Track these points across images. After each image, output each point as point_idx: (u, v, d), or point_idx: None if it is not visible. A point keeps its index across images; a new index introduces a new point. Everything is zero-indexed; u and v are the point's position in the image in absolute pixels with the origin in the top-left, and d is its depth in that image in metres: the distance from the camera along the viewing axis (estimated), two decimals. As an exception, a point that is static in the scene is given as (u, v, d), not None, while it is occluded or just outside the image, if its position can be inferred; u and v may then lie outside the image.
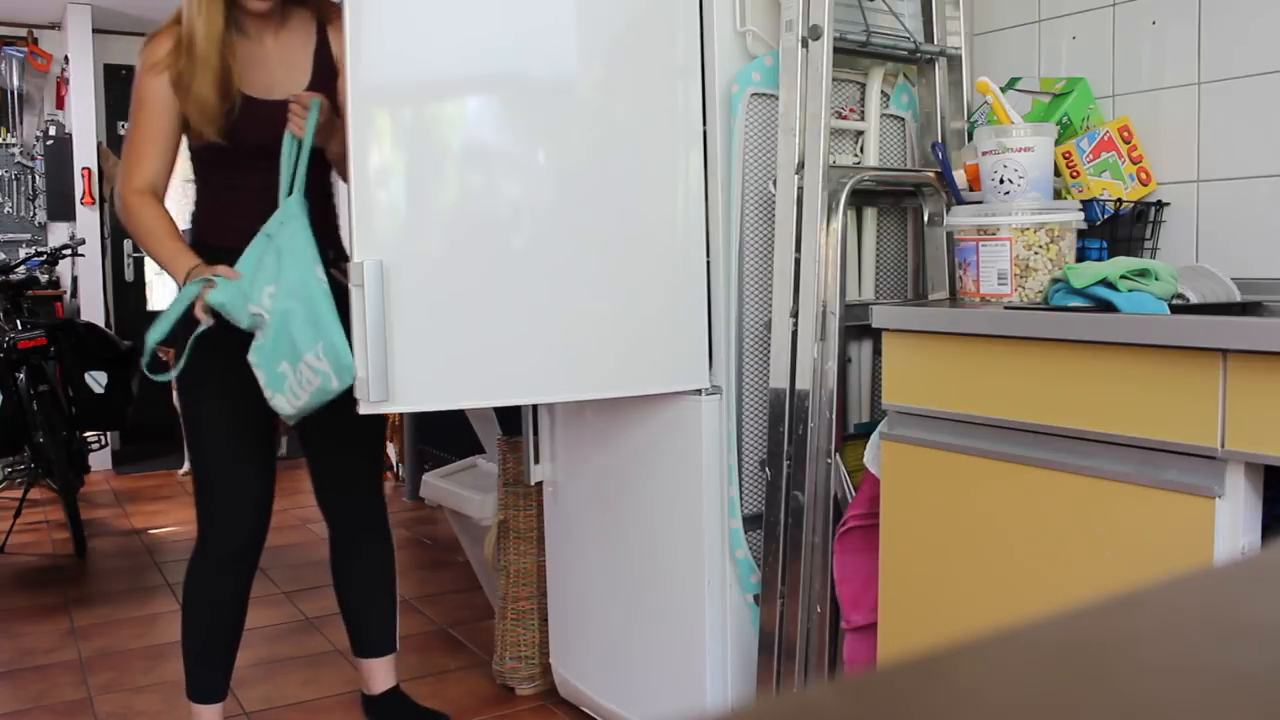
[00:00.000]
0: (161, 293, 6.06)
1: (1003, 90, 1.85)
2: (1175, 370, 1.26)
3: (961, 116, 2.04)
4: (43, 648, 2.95)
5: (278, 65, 1.97)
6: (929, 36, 2.03)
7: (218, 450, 1.98)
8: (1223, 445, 1.23)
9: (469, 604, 3.18)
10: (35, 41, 5.87)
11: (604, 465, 2.15)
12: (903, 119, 2.09)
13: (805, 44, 1.78)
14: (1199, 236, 1.85)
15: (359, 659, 2.28)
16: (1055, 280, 1.61)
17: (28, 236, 5.86)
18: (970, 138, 2.01)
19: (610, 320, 1.86)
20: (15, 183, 5.87)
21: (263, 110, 1.91)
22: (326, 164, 2.02)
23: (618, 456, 2.11)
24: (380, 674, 2.25)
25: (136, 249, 5.94)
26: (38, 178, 5.86)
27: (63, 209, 5.73)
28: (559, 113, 1.84)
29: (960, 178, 1.91)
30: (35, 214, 5.90)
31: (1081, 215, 1.69)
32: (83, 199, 5.66)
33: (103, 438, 5.26)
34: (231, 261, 1.84)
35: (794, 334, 1.79)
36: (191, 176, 2.05)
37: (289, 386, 1.78)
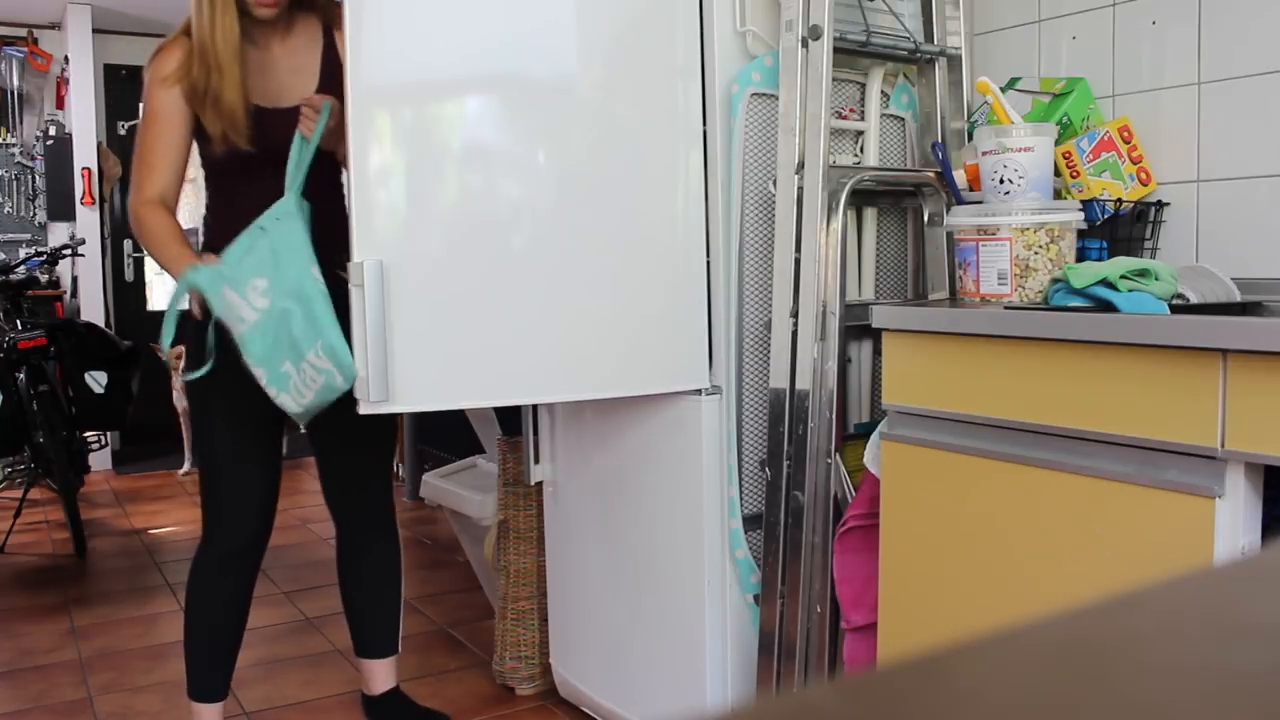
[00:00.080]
0: (161, 293, 6.07)
1: (1003, 90, 1.85)
2: (1175, 370, 1.26)
3: (961, 116, 2.04)
4: (43, 648, 2.95)
5: (286, 71, 1.97)
6: (929, 36, 2.03)
7: (224, 450, 1.99)
8: (1223, 445, 1.23)
9: (469, 604, 3.18)
10: (35, 41, 5.87)
11: (604, 465, 2.15)
12: (903, 119, 2.09)
13: (805, 44, 1.78)
14: (1199, 236, 1.85)
15: (360, 659, 2.28)
16: (1055, 280, 1.61)
17: (28, 236, 5.86)
18: (970, 138, 2.01)
19: (610, 320, 1.86)
20: (15, 183, 5.87)
21: (272, 119, 1.92)
22: (339, 167, 2.02)
23: (618, 456, 2.11)
24: (381, 674, 2.25)
25: (137, 249, 5.95)
26: (38, 178, 5.86)
27: (63, 209, 5.73)
28: (559, 113, 1.84)
29: (960, 178, 1.91)
30: (35, 214, 5.90)
31: (1081, 215, 1.69)
32: (83, 199, 5.66)
33: (103, 438, 5.26)
34: None
35: (794, 334, 1.79)
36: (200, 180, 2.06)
37: (294, 386, 1.78)
